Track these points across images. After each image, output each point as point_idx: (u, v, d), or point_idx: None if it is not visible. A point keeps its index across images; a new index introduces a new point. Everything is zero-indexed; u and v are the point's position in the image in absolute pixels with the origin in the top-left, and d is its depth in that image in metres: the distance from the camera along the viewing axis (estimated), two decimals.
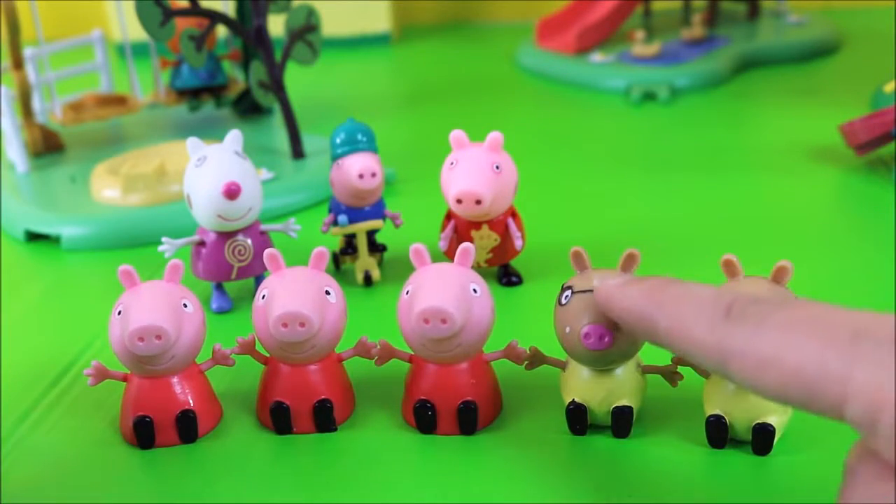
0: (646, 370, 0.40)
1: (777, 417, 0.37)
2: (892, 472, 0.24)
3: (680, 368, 0.40)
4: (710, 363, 0.28)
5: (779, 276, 0.37)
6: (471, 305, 0.38)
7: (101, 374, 0.40)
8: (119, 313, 0.39)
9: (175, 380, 0.40)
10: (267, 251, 0.40)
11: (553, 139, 0.80)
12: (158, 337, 0.38)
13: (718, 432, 0.38)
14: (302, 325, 0.38)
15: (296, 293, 0.38)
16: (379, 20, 1.16)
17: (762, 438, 0.37)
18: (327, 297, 0.39)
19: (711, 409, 0.38)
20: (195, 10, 0.65)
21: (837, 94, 0.85)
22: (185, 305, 0.39)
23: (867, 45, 1.01)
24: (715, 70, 0.90)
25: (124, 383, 0.41)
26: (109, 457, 0.40)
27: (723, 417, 0.37)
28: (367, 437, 0.41)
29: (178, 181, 0.64)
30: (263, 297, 0.39)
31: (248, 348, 0.41)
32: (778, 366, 0.26)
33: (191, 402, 0.40)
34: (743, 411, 0.37)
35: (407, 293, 0.39)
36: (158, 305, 0.38)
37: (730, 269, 0.37)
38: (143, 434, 0.40)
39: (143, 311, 0.38)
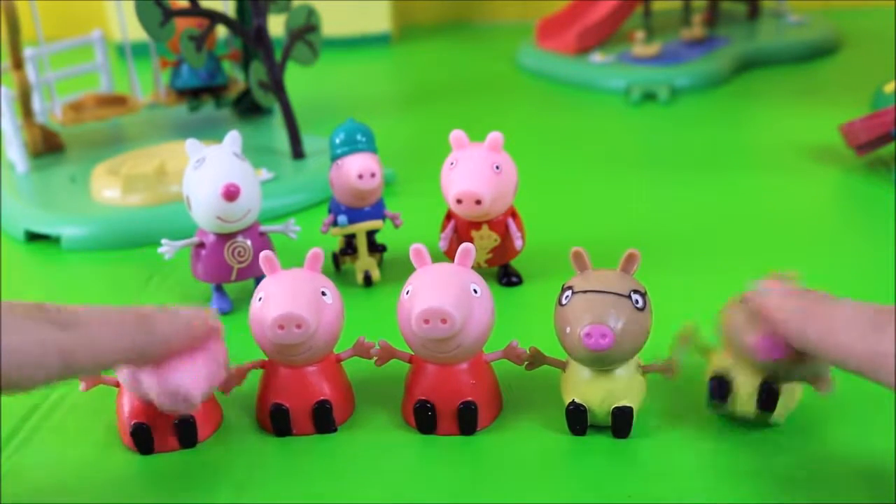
0: (646, 370, 0.40)
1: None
2: None
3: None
4: (860, 369, 0.32)
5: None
6: (471, 305, 0.38)
7: (94, 380, 0.40)
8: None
9: None
10: (262, 254, 0.40)
11: (553, 139, 0.80)
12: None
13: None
14: (298, 326, 0.38)
15: (291, 295, 0.38)
16: (379, 20, 1.16)
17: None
18: (323, 298, 0.39)
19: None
20: (195, 10, 0.65)
21: (837, 94, 0.85)
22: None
23: (867, 45, 1.01)
24: (715, 70, 0.90)
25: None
26: (110, 459, 0.40)
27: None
28: (367, 437, 0.41)
29: (178, 181, 0.64)
30: (260, 299, 0.39)
31: (241, 377, 0.42)
32: None
33: None
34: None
35: (407, 293, 0.39)
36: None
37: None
38: (141, 441, 0.40)
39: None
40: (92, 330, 0.34)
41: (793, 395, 0.39)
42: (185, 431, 0.40)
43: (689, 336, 0.40)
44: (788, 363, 0.36)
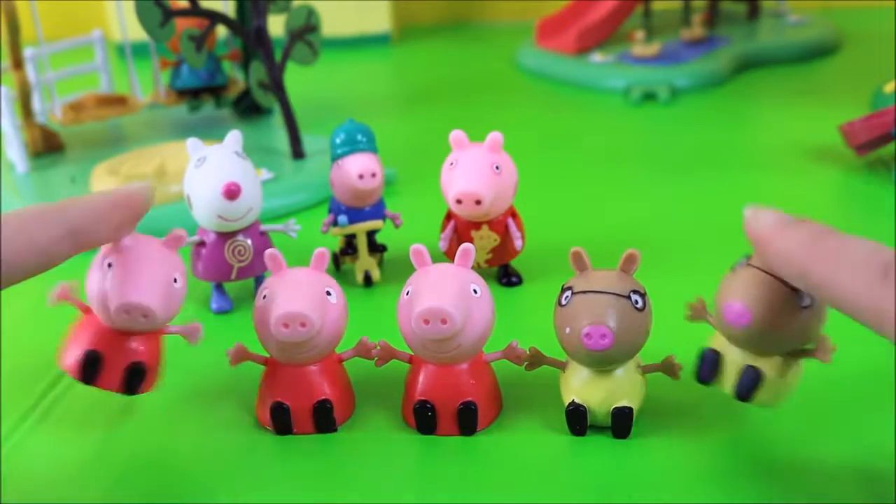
0: (646, 370, 0.40)
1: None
2: None
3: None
4: (864, 320, 0.29)
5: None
6: (471, 306, 0.38)
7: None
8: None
9: None
10: (268, 251, 0.40)
11: (553, 139, 0.80)
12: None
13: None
14: (303, 325, 0.38)
15: (297, 294, 0.38)
16: (379, 20, 1.16)
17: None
18: (328, 297, 0.39)
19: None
20: (195, 10, 0.65)
21: (837, 94, 0.85)
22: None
23: (867, 45, 1.01)
24: (715, 70, 0.90)
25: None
26: (108, 457, 0.40)
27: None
28: (367, 437, 0.41)
29: (178, 181, 0.64)
30: (264, 297, 0.39)
31: (242, 355, 0.41)
32: None
33: None
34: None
35: (407, 293, 0.39)
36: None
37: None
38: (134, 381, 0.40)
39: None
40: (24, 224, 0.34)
41: (786, 381, 0.36)
42: None
43: (699, 308, 0.39)
44: (762, 333, 0.34)
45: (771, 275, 0.34)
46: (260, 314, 0.39)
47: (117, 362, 0.39)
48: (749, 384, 0.36)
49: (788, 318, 0.34)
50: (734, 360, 0.37)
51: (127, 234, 0.38)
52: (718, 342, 0.37)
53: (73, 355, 0.39)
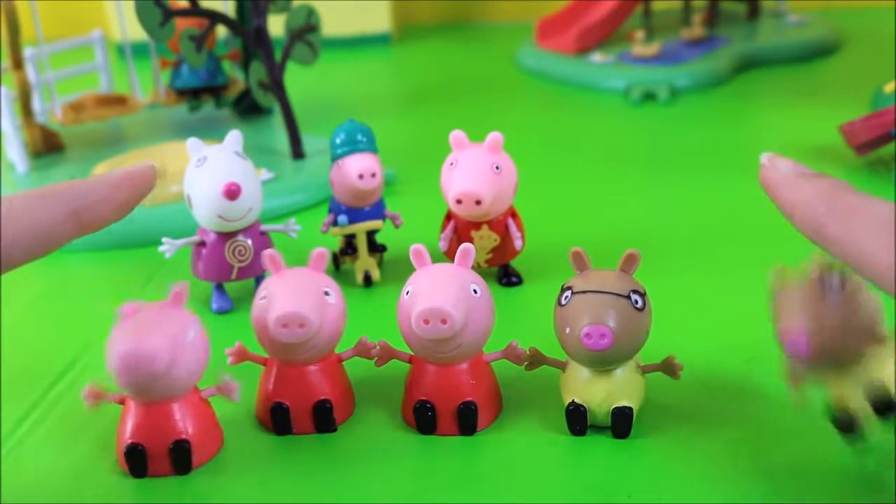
0: (645, 370, 0.40)
1: None
2: None
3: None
4: (880, 282, 0.28)
5: None
6: (471, 306, 0.38)
7: (97, 395, 0.39)
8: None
9: (175, 406, 0.38)
10: (266, 252, 0.40)
11: (553, 139, 0.80)
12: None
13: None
14: (301, 325, 0.38)
15: (295, 294, 0.38)
16: (379, 20, 1.16)
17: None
18: (326, 297, 0.39)
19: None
20: (195, 10, 0.65)
21: (837, 94, 0.85)
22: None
23: (867, 45, 1.01)
24: (715, 70, 0.90)
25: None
26: (108, 457, 0.40)
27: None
28: (367, 437, 0.41)
29: (178, 181, 0.64)
30: (263, 298, 0.39)
31: (242, 355, 0.41)
32: None
33: (189, 430, 0.39)
34: None
35: (407, 294, 0.39)
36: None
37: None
38: (135, 464, 0.38)
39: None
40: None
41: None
42: (180, 457, 0.38)
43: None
44: (830, 361, 0.32)
45: (797, 283, 0.33)
46: (259, 315, 0.39)
47: (161, 446, 0.38)
48: (886, 410, 0.34)
49: (833, 310, 0.32)
50: (855, 399, 0.35)
51: (129, 213, 0.37)
52: (835, 393, 0.35)
53: (119, 450, 0.39)
